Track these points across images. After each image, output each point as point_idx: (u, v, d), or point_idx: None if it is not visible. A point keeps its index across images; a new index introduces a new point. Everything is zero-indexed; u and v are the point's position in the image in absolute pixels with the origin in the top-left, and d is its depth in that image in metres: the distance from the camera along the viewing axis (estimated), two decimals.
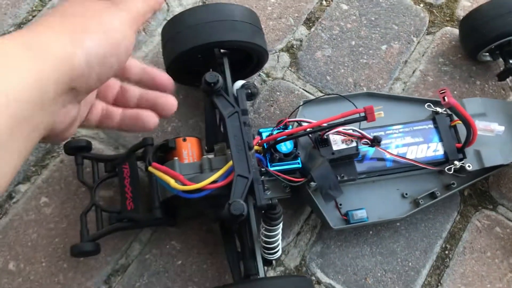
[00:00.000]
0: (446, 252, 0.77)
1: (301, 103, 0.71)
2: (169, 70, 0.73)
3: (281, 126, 0.65)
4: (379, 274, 0.75)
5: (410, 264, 0.76)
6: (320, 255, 0.76)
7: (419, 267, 0.76)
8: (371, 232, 0.77)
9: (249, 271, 0.63)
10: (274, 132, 0.64)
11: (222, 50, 0.71)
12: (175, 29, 0.66)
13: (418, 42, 0.92)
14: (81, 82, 0.37)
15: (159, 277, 0.73)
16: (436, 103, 0.73)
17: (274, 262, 0.68)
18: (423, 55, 0.91)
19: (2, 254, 0.72)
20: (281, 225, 0.60)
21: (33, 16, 0.87)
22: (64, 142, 0.75)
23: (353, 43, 0.90)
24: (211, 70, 0.59)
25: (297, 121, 0.66)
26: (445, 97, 0.59)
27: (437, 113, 0.71)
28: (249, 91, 0.65)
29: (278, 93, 0.85)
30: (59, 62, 0.35)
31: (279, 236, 0.62)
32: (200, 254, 0.74)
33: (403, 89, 0.87)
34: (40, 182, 0.76)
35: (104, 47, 0.38)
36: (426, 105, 0.72)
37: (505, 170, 0.81)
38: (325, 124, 0.63)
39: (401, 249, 0.77)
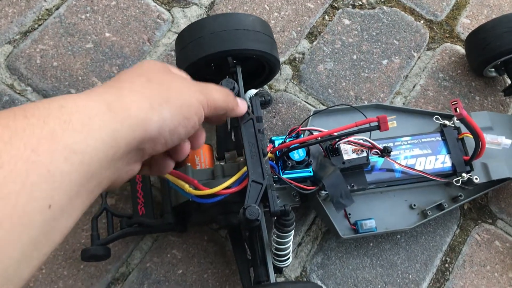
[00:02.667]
0: (446, 265, 0.78)
1: (311, 113, 0.72)
2: None
3: (293, 135, 0.65)
4: (379, 286, 0.75)
5: (410, 276, 0.76)
6: (320, 266, 0.76)
7: (419, 280, 0.76)
8: (371, 244, 0.78)
9: (259, 277, 0.62)
10: (287, 140, 0.64)
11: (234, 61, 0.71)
12: (197, 35, 0.66)
13: (419, 58, 0.93)
14: (149, 145, 0.40)
15: (160, 286, 0.72)
16: (444, 116, 0.75)
17: (283, 269, 0.68)
18: (423, 70, 0.92)
19: None
20: (293, 232, 0.60)
21: (39, 25, 0.86)
22: None
23: (355, 57, 0.91)
24: (227, 77, 0.59)
25: (309, 130, 0.67)
26: (457, 108, 0.60)
27: (445, 125, 0.72)
28: (263, 99, 0.66)
29: (280, 105, 0.86)
30: (135, 124, 0.38)
31: (291, 243, 0.62)
32: (201, 264, 0.74)
33: (404, 103, 0.88)
34: None
35: (177, 119, 0.42)
36: (434, 118, 0.73)
37: (504, 185, 0.82)
38: (336, 133, 0.63)
39: (401, 261, 0.77)
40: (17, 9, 0.87)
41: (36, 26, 0.86)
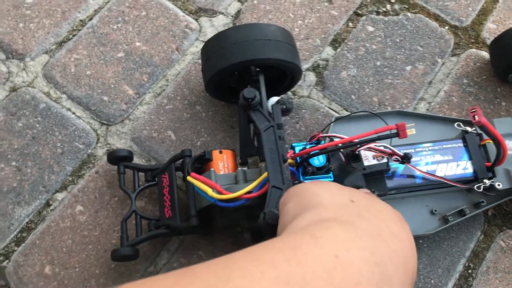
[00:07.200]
0: (469, 271, 0.78)
1: (333, 120, 0.73)
2: (209, 84, 0.76)
3: (314, 141, 0.67)
4: None
5: (432, 281, 0.77)
6: None
7: (441, 285, 0.77)
8: None
9: None
10: (308, 147, 0.66)
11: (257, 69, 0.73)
12: (221, 45, 0.69)
13: (443, 64, 0.93)
14: None
15: None
16: (466, 123, 0.75)
17: None
18: (447, 76, 0.92)
19: (39, 259, 0.74)
20: None
21: (73, 35, 0.90)
22: (107, 152, 0.79)
23: (378, 63, 0.92)
24: (249, 86, 0.61)
25: (329, 136, 0.68)
26: (476, 116, 0.60)
27: (466, 132, 0.72)
28: (284, 106, 0.67)
29: (304, 111, 0.87)
30: None
31: None
32: None
33: (427, 109, 0.89)
34: (76, 191, 0.79)
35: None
36: (455, 124, 0.73)
37: None
38: (356, 140, 0.64)
39: (423, 266, 0.78)
40: (53, 20, 0.91)
41: (70, 36, 0.90)
